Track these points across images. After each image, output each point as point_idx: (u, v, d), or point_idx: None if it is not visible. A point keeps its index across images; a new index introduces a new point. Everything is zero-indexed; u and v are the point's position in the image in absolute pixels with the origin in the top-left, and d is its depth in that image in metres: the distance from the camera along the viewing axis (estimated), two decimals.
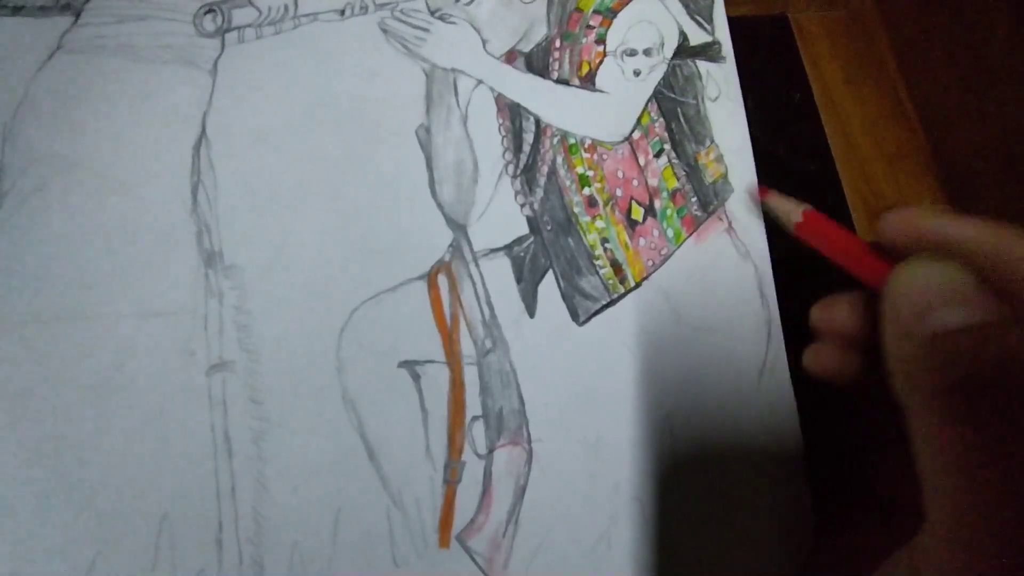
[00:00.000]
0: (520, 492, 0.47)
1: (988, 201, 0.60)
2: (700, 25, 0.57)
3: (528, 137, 0.53)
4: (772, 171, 0.60)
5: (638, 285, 0.51)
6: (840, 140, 0.64)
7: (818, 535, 0.48)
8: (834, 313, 0.42)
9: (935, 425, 0.29)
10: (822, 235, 0.44)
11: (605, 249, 0.51)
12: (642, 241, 0.52)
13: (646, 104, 0.55)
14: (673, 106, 0.55)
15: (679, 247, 0.52)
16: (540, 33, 0.55)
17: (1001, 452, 0.27)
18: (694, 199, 0.53)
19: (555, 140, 0.53)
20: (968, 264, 0.32)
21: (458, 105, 0.53)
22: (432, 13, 0.55)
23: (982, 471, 0.27)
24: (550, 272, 0.51)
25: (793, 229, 0.46)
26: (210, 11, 0.52)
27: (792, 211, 0.46)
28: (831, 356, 0.42)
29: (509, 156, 0.53)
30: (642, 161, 0.53)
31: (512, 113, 0.53)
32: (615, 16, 0.56)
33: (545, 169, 0.52)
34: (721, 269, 0.52)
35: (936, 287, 0.31)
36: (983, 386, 0.29)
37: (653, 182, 0.53)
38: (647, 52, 0.55)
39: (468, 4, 0.55)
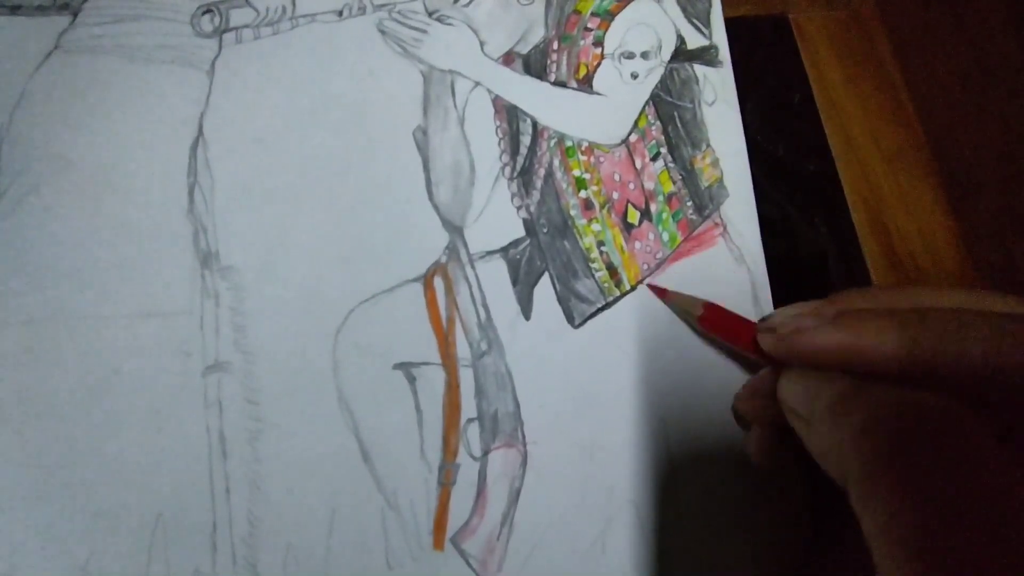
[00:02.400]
0: (515, 495, 0.47)
1: (988, 201, 0.60)
2: (697, 29, 0.57)
3: (525, 139, 0.53)
4: (772, 171, 0.60)
5: (634, 288, 0.51)
6: (840, 140, 0.64)
7: (814, 540, 0.48)
8: (752, 401, 0.44)
9: (865, 495, 0.30)
10: (722, 326, 0.48)
11: (601, 252, 0.52)
12: (638, 244, 0.52)
13: (643, 107, 0.55)
14: (670, 110, 0.55)
15: (674, 251, 0.52)
16: (538, 35, 0.55)
17: (929, 511, 0.28)
18: (690, 203, 0.53)
19: (552, 142, 0.53)
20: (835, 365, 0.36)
21: (455, 107, 0.53)
22: (430, 14, 0.54)
23: (915, 534, 0.28)
24: (546, 275, 0.51)
25: (696, 323, 0.50)
26: (208, 11, 0.52)
27: (693, 305, 0.49)
28: (765, 440, 0.44)
29: (506, 158, 0.53)
30: (639, 164, 0.53)
31: (509, 115, 0.53)
32: (613, 19, 0.55)
33: (542, 171, 0.52)
34: (716, 272, 0.52)
35: (812, 380, 0.37)
36: (891, 440, 0.30)
37: (649, 185, 0.53)
38: (644, 55, 0.55)
39: (466, 6, 0.55)
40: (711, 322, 0.48)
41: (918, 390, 0.32)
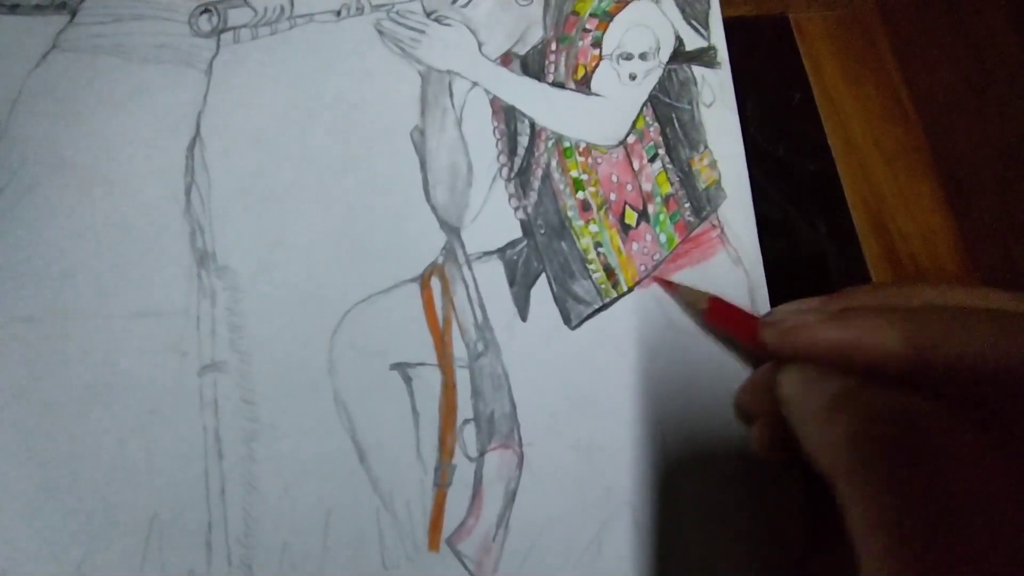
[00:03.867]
0: (511, 496, 0.47)
1: (988, 201, 0.60)
2: (696, 30, 0.57)
3: (523, 140, 0.53)
4: (772, 171, 0.59)
5: (631, 290, 0.51)
6: (840, 140, 0.64)
7: (810, 540, 0.48)
8: (754, 395, 0.44)
9: (852, 493, 0.30)
10: (727, 321, 0.48)
11: (598, 253, 0.51)
12: (635, 246, 0.52)
13: (641, 108, 0.54)
14: (668, 111, 0.55)
15: (671, 252, 0.52)
16: (536, 36, 0.55)
17: (912, 510, 0.28)
18: (687, 204, 0.53)
19: (550, 143, 0.53)
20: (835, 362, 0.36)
21: (453, 107, 0.53)
22: (428, 15, 0.54)
23: (898, 532, 0.28)
24: (543, 276, 0.51)
25: (701, 317, 0.50)
26: (206, 11, 0.52)
27: (698, 299, 0.49)
28: (769, 434, 0.44)
29: (503, 159, 0.53)
30: (636, 165, 0.53)
31: (507, 116, 0.53)
32: (611, 20, 0.55)
33: (539, 172, 0.52)
34: (713, 274, 0.52)
35: (811, 375, 0.36)
36: (876, 451, 0.30)
37: (647, 187, 0.53)
38: (643, 56, 0.55)
39: (464, 6, 0.55)
40: (716, 316, 0.48)
41: (912, 394, 0.32)
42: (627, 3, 0.56)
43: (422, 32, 0.54)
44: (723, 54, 0.57)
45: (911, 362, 0.34)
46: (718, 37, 0.57)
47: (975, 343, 0.32)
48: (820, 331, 0.37)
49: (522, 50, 0.55)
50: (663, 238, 0.52)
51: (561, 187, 0.52)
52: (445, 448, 0.47)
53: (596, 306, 0.51)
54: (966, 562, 0.26)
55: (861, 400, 0.33)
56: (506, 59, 0.54)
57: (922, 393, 0.32)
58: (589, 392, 0.49)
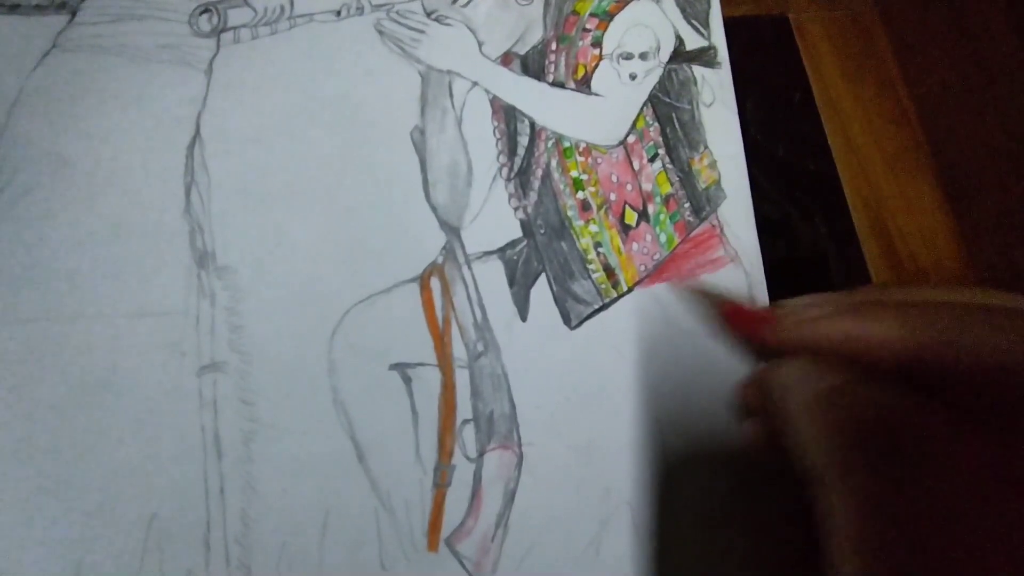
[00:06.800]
0: (510, 496, 0.47)
1: (988, 201, 0.60)
2: (696, 30, 0.57)
3: (523, 140, 0.53)
4: (772, 171, 0.59)
5: (631, 290, 0.51)
6: (840, 140, 0.63)
7: (809, 541, 0.48)
8: (754, 390, 0.44)
9: (830, 484, 0.30)
10: (737, 320, 0.47)
11: (598, 253, 0.51)
12: (635, 246, 0.52)
13: (641, 108, 0.54)
14: (668, 111, 0.55)
15: (672, 252, 0.52)
16: (536, 36, 0.55)
17: (890, 503, 0.28)
18: (687, 204, 0.53)
19: (550, 143, 0.53)
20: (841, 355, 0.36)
21: (453, 107, 0.53)
22: (428, 15, 0.54)
23: (871, 525, 0.28)
24: (543, 276, 0.51)
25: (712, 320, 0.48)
26: (206, 11, 0.52)
27: (711, 302, 0.48)
28: (761, 431, 0.44)
29: (503, 159, 0.53)
30: (636, 165, 0.53)
31: (507, 116, 0.53)
32: (611, 19, 0.55)
33: (539, 172, 0.52)
34: (713, 274, 0.52)
35: (809, 370, 0.36)
36: (862, 446, 0.30)
37: (647, 187, 0.53)
38: (643, 56, 0.55)
39: (464, 6, 0.55)
40: (728, 317, 0.48)
41: (910, 394, 0.32)
42: (627, 3, 0.56)
43: (422, 32, 0.54)
44: (723, 54, 0.57)
45: (910, 357, 0.34)
46: (718, 37, 0.57)
47: (971, 340, 0.32)
48: (832, 323, 0.37)
49: (522, 50, 0.55)
50: (663, 238, 0.52)
51: (561, 187, 0.52)
52: (444, 448, 0.47)
53: (596, 306, 0.51)
54: (939, 560, 0.26)
55: (855, 394, 0.33)
56: (506, 59, 0.54)
57: (921, 393, 0.32)
58: (589, 392, 0.49)
